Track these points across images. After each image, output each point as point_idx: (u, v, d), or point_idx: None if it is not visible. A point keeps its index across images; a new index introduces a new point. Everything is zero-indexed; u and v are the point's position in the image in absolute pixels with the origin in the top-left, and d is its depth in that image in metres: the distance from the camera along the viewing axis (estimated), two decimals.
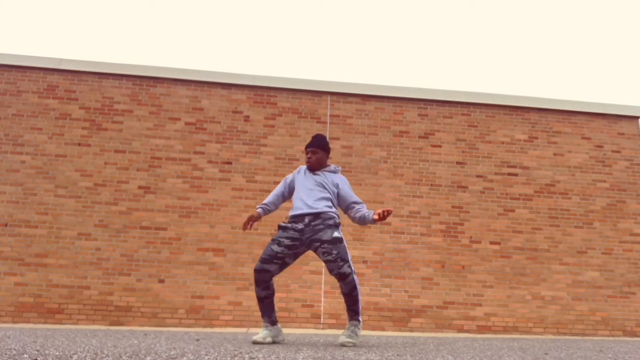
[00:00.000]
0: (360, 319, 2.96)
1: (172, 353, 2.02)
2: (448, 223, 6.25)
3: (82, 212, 5.85)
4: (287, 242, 2.93)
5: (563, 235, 6.36)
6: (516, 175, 6.53)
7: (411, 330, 5.81)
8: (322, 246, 2.89)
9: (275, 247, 2.91)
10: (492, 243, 6.24)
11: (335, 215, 3.02)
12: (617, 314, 6.13)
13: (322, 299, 5.81)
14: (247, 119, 6.37)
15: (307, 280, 5.85)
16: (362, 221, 3.04)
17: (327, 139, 3.33)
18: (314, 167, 3.15)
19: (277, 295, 5.76)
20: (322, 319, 5.75)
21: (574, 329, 6.03)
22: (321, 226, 2.94)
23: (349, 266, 2.84)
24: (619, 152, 6.76)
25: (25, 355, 1.78)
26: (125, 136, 6.15)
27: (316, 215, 2.98)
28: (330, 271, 2.87)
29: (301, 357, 2.02)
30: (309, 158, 3.17)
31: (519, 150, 6.63)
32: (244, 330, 5.23)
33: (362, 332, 5.41)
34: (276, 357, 1.99)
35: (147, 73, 6.34)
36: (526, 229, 6.33)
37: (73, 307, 5.54)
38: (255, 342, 2.80)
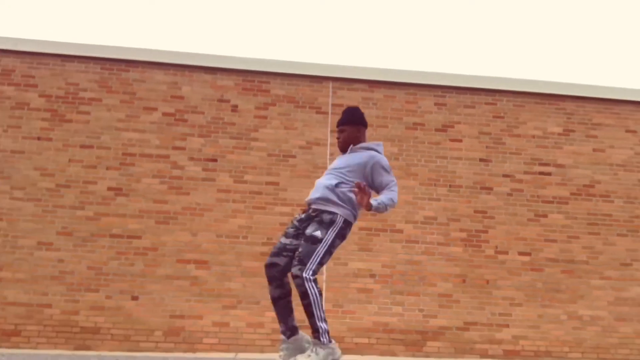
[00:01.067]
0: (323, 338, 2.80)
1: None
2: (470, 230, 6.19)
3: (42, 217, 5.80)
4: (292, 231, 3.05)
5: (604, 244, 6.29)
6: (549, 174, 6.47)
7: (427, 356, 5.76)
8: (299, 238, 2.98)
9: (283, 239, 3.04)
10: (520, 254, 6.18)
11: (334, 211, 2.93)
12: None
13: None
14: (234, 108, 6.31)
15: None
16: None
17: (360, 111, 3.33)
18: (343, 148, 3.21)
19: (269, 315, 5.72)
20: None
21: (617, 354, 5.96)
22: (311, 214, 3.03)
23: (301, 270, 2.80)
24: None
25: None
26: (93, 129, 6.09)
27: (315, 203, 3.04)
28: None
29: None
30: (337, 139, 3.27)
31: (552, 145, 6.56)
32: (231, 355, 5.32)
33: (369, 358, 5.39)
34: None
35: (118, 55, 6.28)
36: (561, 237, 6.27)
37: (31, 329, 5.49)
38: None
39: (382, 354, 5.70)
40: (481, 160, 6.46)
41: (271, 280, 2.98)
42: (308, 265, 2.83)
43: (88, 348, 5.46)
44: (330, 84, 6.51)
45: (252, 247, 5.89)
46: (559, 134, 6.63)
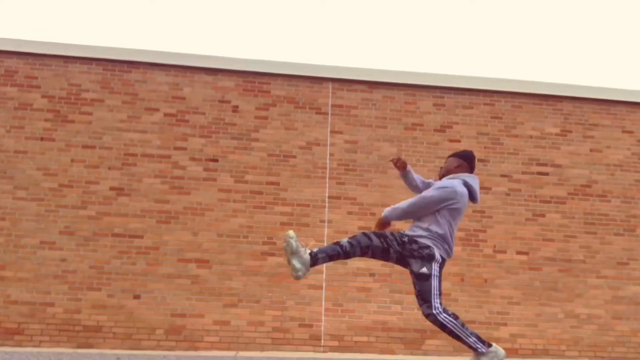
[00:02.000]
0: (480, 349, 3.01)
1: None
2: (468, 230, 6.16)
3: (45, 217, 5.79)
4: (396, 246, 3.13)
5: (601, 244, 6.28)
6: (547, 174, 6.45)
7: (425, 354, 5.75)
8: (411, 274, 3.13)
9: (389, 234, 3.13)
10: (518, 253, 6.16)
11: (430, 245, 3.12)
12: None
13: (323, 318, 5.77)
14: (235, 109, 6.28)
15: (305, 296, 5.79)
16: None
17: (473, 155, 3.52)
18: (440, 175, 3.39)
19: (270, 313, 5.77)
20: (322, 340, 5.72)
21: (614, 352, 5.96)
22: (414, 252, 3.11)
23: (429, 307, 3.01)
24: None
25: None
26: (95, 129, 6.08)
27: (412, 237, 3.16)
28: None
29: None
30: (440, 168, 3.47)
31: (549, 145, 6.55)
32: (232, 353, 5.26)
33: (368, 357, 5.46)
34: None
35: (120, 56, 6.28)
36: (558, 236, 6.25)
37: (34, 327, 5.48)
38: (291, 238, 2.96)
39: (382, 352, 5.68)
40: (479, 160, 6.38)
41: (358, 241, 3.06)
42: (431, 301, 3.04)
43: (90, 346, 5.46)
44: (330, 85, 6.49)
45: (252, 247, 5.89)
46: (557, 135, 6.61)
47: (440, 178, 3.35)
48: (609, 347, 5.95)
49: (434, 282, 3.05)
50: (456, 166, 3.33)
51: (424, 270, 3.04)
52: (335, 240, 3.16)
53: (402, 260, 3.16)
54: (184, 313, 5.62)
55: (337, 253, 3.02)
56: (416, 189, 3.48)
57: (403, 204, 3.21)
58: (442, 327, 3.00)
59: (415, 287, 3.08)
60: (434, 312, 2.98)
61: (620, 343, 5.98)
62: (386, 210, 3.23)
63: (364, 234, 3.09)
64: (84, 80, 6.22)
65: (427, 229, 3.13)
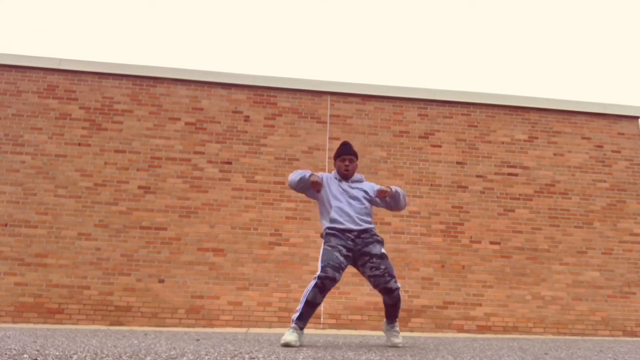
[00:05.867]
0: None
1: (172, 353, 2.02)
2: (448, 223, 6.24)
3: (82, 212, 5.84)
4: (344, 251, 2.87)
5: (563, 235, 6.35)
6: (516, 175, 6.52)
7: (411, 331, 5.80)
8: (371, 260, 2.88)
9: (339, 256, 2.82)
10: (492, 243, 6.23)
11: (376, 233, 3.06)
12: (617, 314, 6.13)
13: None
14: (247, 119, 6.35)
15: (307, 280, 5.83)
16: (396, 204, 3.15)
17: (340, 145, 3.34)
18: (351, 176, 3.13)
19: (277, 295, 5.78)
20: (322, 319, 5.74)
21: (574, 329, 6.02)
22: (370, 240, 2.94)
23: (396, 282, 2.89)
24: (619, 152, 6.75)
25: (25, 356, 1.78)
26: (125, 136, 6.14)
27: (364, 230, 2.97)
28: (376, 285, 2.86)
29: (301, 357, 2.02)
30: (346, 166, 3.11)
31: (519, 150, 6.62)
32: (244, 330, 5.23)
33: (362, 332, 5.43)
34: (276, 357, 1.99)
35: (147, 73, 6.34)
36: (526, 229, 6.32)
37: (73, 307, 5.53)
38: (287, 345, 2.64)
39: (373, 328, 5.74)
40: (458, 163, 6.52)
41: (324, 291, 2.75)
42: (395, 276, 2.91)
43: (121, 324, 5.52)
44: (329, 98, 6.54)
45: (261, 237, 5.94)
46: (525, 141, 6.67)
47: (350, 177, 3.15)
48: (570, 325, 6.02)
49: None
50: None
51: (384, 250, 2.94)
52: (314, 302, 2.78)
53: (354, 258, 2.94)
54: (202, 295, 5.67)
55: (317, 305, 2.81)
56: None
57: (402, 193, 3.11)
58: (399, 301, 2.91)
59: (379, 269, 2.84)
60: (399, 285, 2.90)
61: (579, 321, 6.05)
62: (399, 189, 3.11)
63: (328, 281, 2.74)
64: (115, 93, 6.27)
65: (371, 221, 3.06)
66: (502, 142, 6.63)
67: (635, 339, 5.77)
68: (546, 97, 7.09)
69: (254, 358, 1.92)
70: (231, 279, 5.76)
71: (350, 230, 2.94)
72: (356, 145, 6.39)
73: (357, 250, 2.92)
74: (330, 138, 6.38)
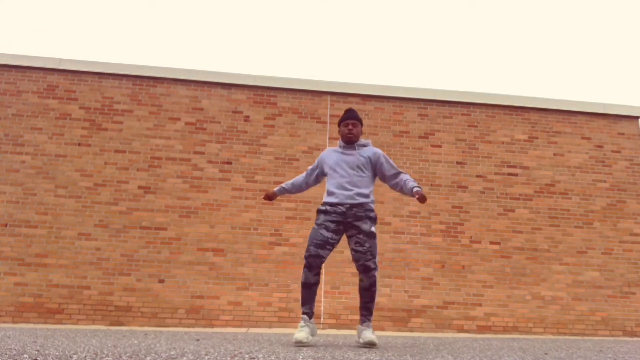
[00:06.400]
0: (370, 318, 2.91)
1: (172, 353, 2.02)
2: (448, 223, 6.24)
3: (82, 212, 5.84)
4: (332, 226, 2.87)
5: (563, 235, 6.34)
6: (516, 175, 6.52)
7: (411, 331, 5.80)
8: (358, 236, 2.86)
9: (325, 232, 2.85)
10: (492, 243, 6.22)
11: (373, 208, 2.99)
12: (617, 314, 6.12)
13: (322, 299, 5.81)
14: (247, 119, 6.35)
15: None
16: (401, 190, 3.01)
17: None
18: (351, 141, 3.03)
19: (277, 295, 5.78)
20: (322, 318, 5.74)
21: (574, 329, 6.02)
22: (362, 214, 2.89)
23: (375, 262, 2.84)
24: (619, 152, 6.75)
25: (25, 356, 1.78)
26: (125, 136, 6.14)
27: (358, 204, 2.92)
28: (356, 261, 2.85)
29: (301, 357, 2.02)
30: (350, 130, 3.03)
31: (519, 150, 6.62)
32: (244, 330, 5.23)
33: None
34: (276, 357, 1.98)
35: (147, 73, 6.33)
36: (526, 229, 6.32)
37: (73, 307, 5.53)
38: (299, 342, 2.65)
39: (373, 329, 5.72)
40: (458, 163, 6.51)
41: (313, 268, 2.79)
42: (376, 257, 2.86)
43: (121, 324, 5.52)
44: (329, 98, 6.54)
45: (261, 237, 5.93)
46: (525, 141, 6.66)
47: (354, 141, 3.08)
48: (570, 325, 6.02)
49: (376, 242, 2.91)
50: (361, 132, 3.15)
51: (373, 229, 2.88)
52: (307, 282, 2.82)
53: (345, 229, 2.92)
54: (202, 295, 5.67)
55: (313, 285, 2.82)
56: (300, 186, 3.23)
57: (411, 186, 2.97)
58: (374, 283, 2.84)
59: (363, 246, 2.81)
60: (376, 269, 2.84)
61: (579, 321, 6.04)
62: (418, 185, 2.97)
63: (312, 258, 2.79)
64: (115, 93, 6.26)
65: (369, 194, 2.97)
66: (502, 142, 6.63)
67: (635, 339, 5.77)
68: (546, 97, 7.10)
69: (254, 358, 1.92)
70: (231, 279, 5.76)
71: (342, 204, 2.91)
72: None
73: (347, 222, 2.90)
74: (330, 138, 6.38)
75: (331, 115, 6.48)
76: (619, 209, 6.52)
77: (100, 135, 6.11)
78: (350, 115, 3.08)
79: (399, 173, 3.09)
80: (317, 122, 6.43)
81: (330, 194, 2.98)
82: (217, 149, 6.19)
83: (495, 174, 6.49)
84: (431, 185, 6.38)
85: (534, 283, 6.12)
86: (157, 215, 5.90)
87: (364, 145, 3.12)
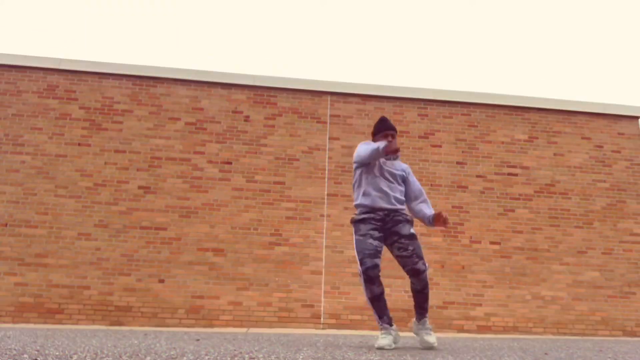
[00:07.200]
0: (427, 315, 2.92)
1: (172, 353, 2.02)
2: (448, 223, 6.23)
3: (82, 212, 5.84)
4: (376, 234, 2.83)
5: (563, 235, 6.35)
6: (516, 175, 6.52)
7: (411, 330, 5.78)
8: (400, 241, 2.83)
9: (373, 242, 2.80)
10: (492, 243, 6.22)
11: (408, 214, 3.00)
12: (617, 314, 6.13)
13: (322, 299, 5.81)
14: (247, 119, 6.35)
15: (307, 281, 5.84)
16: (421, 218, 2.98)
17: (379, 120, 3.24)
18: (394, 152, 2.86)
19: (277, 295, 5.78)
20: (322, 319, 5.75)
21: (574, 329, 6.02)
22: (400, 218, 2.88)
23: (424, 263, 2.80)
24: (619, 152, 6.75)
25: (25, 356, 1.78)
26: (125, 136, 6.14)
27: (395, 210, 2.91)
28: (404, 266, 2.82)
29: (301, 357, 2.02)
30: (390, 142, 2.95)
31: (519, 150, 6.62)
32: (244, 330, 5.23)
33: (362, 332, 5.42)
34: (276, 357, 1.98)
35: (147, 73, 6.33)
36: (526, 229, 6.32)
37: (73, 307, 5.53)
38: (381, 348, 2.65)
39: (373, 329, 5.72)
40: (458, 163, 6.51)
41: (374, 280, 2.72)
42: (424, 257, 2.82)
43: (121, 324, 5.53)
44: (329, 98, 6.54)
45: (261, 237, 5.94)
46: (525, 141, 6.67)
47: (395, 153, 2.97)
48: (570, 325, 6.02)
49: (419, 242, 2.90)
50: None
51: (413, 230, 2.87)
52: (374, 295, 2.77)
53: (385, 236, 2.89)
54: (202, 295, 5.68)
55: (381, 295, 2.79)
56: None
57: (430, 215, 2.95)
58: (426, 286, 2.82)
59: (407, 250, 2.78)
60: (427, 268, 2.81)
61: (579, 321, 6.05)
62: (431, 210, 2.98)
63: (371, 270, 2.73)
64: (115, 93, 6.27)
65: (403, 201, 2.99)
66: (502, 142, 6.63)
67: (635, 338, 5.77)
68: (546, 97, 7.09)
69: (254, 358, 1.92)
70: (231, 279, 5.76)
71: (381, 209, 2.88)
72: (356, 146, 6.38)
73: (387, 229, 2.88)
74: (330, 138, 6.38)
75: (331, 115, 6.49)
76: (619, 209, 6.52)
77: (100, 135, 6.11)
78: (389, 126, 3.04)
79: (422, 194, 3.07)
80: (317, 122, 6.44)
81: (366, 195, 2.94)
82: (217, 149, 6.20)
83: (495, 174, 6.49)
84: (431, 185, 6.37)
85: (534, 283, 6.12)
86: (157, 215, 5.90)
87: (396, 159, 3.10)
